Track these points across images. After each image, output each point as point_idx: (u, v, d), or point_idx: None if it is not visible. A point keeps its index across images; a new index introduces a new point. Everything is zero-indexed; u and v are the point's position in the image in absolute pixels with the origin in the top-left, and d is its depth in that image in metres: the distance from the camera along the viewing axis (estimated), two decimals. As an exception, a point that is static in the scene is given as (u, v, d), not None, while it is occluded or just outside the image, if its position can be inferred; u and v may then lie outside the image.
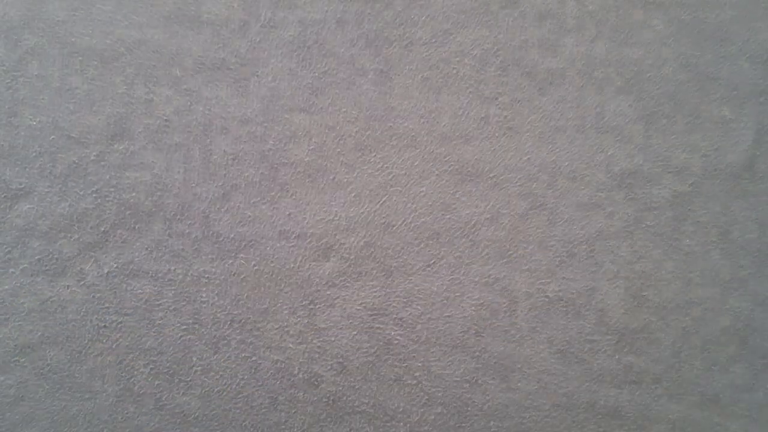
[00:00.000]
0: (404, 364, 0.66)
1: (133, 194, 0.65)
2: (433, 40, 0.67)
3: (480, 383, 0.66)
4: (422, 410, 0.66)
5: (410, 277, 0.66)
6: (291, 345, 0.65)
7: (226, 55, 0.66)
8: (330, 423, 0.65)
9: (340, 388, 0.65)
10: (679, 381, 0.66)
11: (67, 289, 0.64)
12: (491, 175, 0.67)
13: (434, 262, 0.66)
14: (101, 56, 0.65)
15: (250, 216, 0.65)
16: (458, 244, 0.66)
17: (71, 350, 0.64)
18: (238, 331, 0.65)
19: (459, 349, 0.66)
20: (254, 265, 0.65)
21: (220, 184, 0.65)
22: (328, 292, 0.66)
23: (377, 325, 0.66)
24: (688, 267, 0.67)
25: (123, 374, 0.64)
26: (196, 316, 0.65)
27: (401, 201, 0.66)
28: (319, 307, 0.65)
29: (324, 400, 0.65)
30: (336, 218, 0.66)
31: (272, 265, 0.65)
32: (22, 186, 0.64)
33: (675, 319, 0.66)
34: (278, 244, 0.65)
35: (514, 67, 0.67)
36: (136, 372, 0.64)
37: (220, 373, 0.65)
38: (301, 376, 0.65)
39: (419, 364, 0.66)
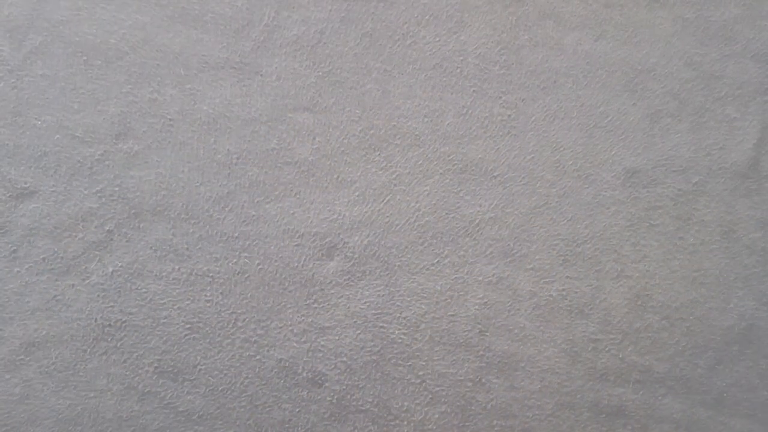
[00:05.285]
0: (408, 363, 0.66)
1: (138, 193, 0.65)
2: (437, 39, 0.67)
3: (484, 382, 0.66)
4: (426, 409, 0.66)
5: (414, 276, 0.66)
6: (295, 344, 0.65)
7: (230, 54, 0.66)
8: (334, 422, 0.65)
9: (344, 387, 0.65)
10: (683, 380, 0.66)
11: (72, 287, 0.64)
12: (495, 174, 0.67)
13: (438, 261, 0.66)
14: (105, 55, 0.65)
15: (254, 215, 0.66)
16: (462, 243, 0.66)
17: (76, 349, 0.64)
18: (242, 330, 0.65)
19: (463, 348, 0.66)
20: (258, 264, 0.65)
21: (224, 183, 0.65)
22: (332, 291, 0.66)
23: (381, 324, 0.66)
24: (692, 266, 0.66)
25: (127, 373, 0.65)
26: (200, 315, 0.65)
27: (405, 200, 0.66)
28: (323, 306, 0.66)
29: (328, 398, 0.65)
30: (340, 217, 0.66)
31: (276, 264, 0.65)
32: (27, 185, 0.64)
33: (679, 319, 0.66)
34: (282, 244, 0.65)
35: (517, 66, 0.67)
36: (140, 370, 0.65)
37: (225, 371, 0.65)
38: (305, 375, 0.65)
39: (423, 363, 0.66)
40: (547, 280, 0.66)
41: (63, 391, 0.64)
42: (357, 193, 0.66)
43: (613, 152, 0.67)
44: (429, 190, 0.66)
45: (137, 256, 0.65)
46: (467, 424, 0.66)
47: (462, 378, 0.66)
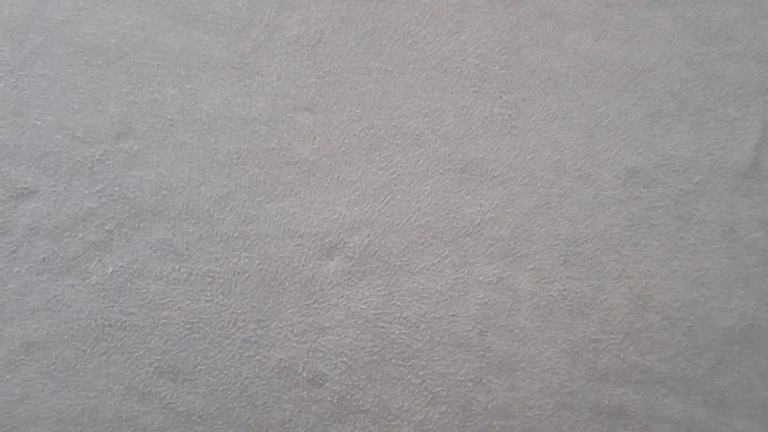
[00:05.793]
0: (408, 363, 0.66)
1: (138, 193, 0.65)
2: (437, 39, 0.67)
3: (484, 382, 0.66)
4: (426, 409, 0.66)
5: (414, 276, 0.66)
6: (295, 344, 0.65)
7: (230, 54, 0.66)
8: (334, 422, 0.65)
9: (345, 387, 0.65)
10: (683, 380, 0.66)
11: (72, 287, 0.64)
12: (495, 174, 0.67)
13: (438, 261, 0.66)
14: (106, 55, 0.65)
15: (254, 215, 0.66)
16: (462, 243, 0.66)
17: (76, 349, 0.64)
18: (242, 330, 0.65)
19: (463, 348, 0.66)
20: (258, 264, 0.65)
21: (224, 183, 0.65)
22: (333, 291, 0.66)
23: (381, 324, 0.66)
24: (693, 266, 0.66)
25: (128, 373, 0.65)
26: (200, 315, 0.65)
27: (405, 200, 0.66)
28: (323, 306, 0.65)
29: (328, 399, 0.65)
30: (340, 217, 0.66)
31: (276, 264, 0.65)
32: (28, 185, 0.64)
33: (680, 319, 0.66)
34: (282, 243, 0.65)
35: (518, 65, 0.67)
36: (140, 370, 0.65)
37: (225, 371, 0.65)
38: (305, 375, 0.65)
39: (423, 363, 0.66)
40: (548, 280, 0.66)
41: (63, 391, 0.64)
42: (357, 193, 0.66)
43: (613, 152, 0.67)
44: (429, 190, 0.66)
45: (137, 256, 0.65)
46: (468, 424, 0.65)
47: (462, 378, 0.66)
